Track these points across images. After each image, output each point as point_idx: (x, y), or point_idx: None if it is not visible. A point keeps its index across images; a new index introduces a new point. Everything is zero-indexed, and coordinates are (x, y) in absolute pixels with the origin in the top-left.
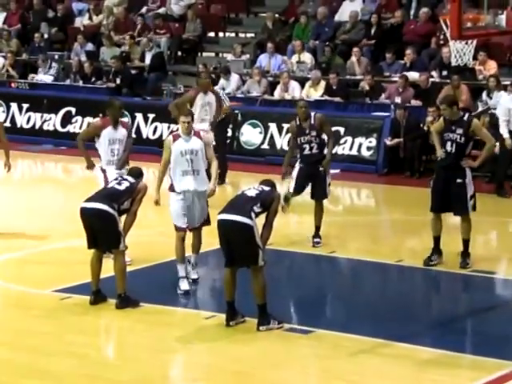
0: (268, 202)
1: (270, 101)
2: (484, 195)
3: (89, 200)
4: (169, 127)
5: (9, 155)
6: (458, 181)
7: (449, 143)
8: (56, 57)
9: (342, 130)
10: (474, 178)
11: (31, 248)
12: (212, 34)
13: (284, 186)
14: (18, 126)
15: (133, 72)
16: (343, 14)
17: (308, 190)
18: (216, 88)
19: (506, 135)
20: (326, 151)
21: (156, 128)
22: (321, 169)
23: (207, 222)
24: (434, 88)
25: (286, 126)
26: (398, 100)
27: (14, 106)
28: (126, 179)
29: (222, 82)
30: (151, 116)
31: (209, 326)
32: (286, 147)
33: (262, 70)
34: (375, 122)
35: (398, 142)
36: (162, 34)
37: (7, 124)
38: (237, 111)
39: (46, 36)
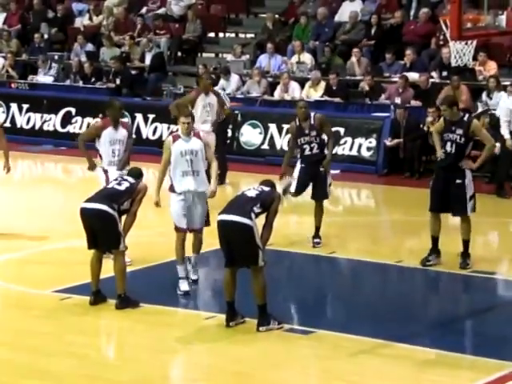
0: (268, 202)
1: (269, 101)
2: (484, 196)
3: (89, 200)
4: (169, 128)
5: (8, 157)
6: (458, 181)
7: (449, 144)
8: (56, 57)
9: (341, 130)
10: (473, 178)
11: (31, 248)
12: (212, 35)
13: (284, 181)
14: (18, 126)
15: (133, 72)
16: (343, 15)
17: (308, 190)
18: (216, 88)
19: (506, 136)
20: (326, 151)
21: (156, 128)
22: (321, 169)
23: (207, 222)
24: (434, 88)
25: (285, 126)
26: (397, 100)
27: (13, 106)
28: (126, 179)
29: (221, 82)
30: (151, 116)
31: (209, 327)
32: (285, 147)
33: (262, 70)
34: (375, 122)
35: (398, 143)
36: (161, 34)
37: (7, 124)
38: (237, 112)
39: (45, 36)
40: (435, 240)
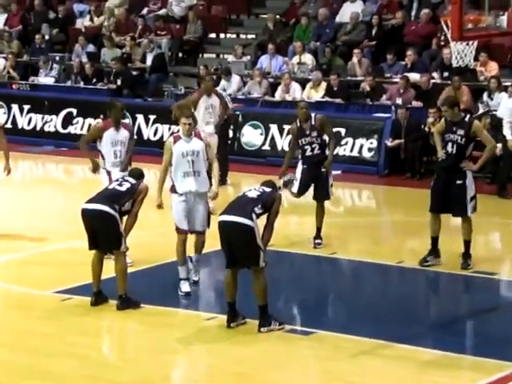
0: (269, 203)
1: (270, 102)
2: (485, 196)
3: (90, 201)
4: (170, 128)
5: (9, 158)
6: (458, 182)
7: (450, 144)
8: (57, 58)
9: (342, 131)
10: (475, 179)
11: (32, 249)
12: (213, 36)
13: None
14: (19, 127)
15: (134, 73)
16: (344, 15)
17: (310, 190)
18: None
19: (509, 137)
20: (327, 152)
21: (157, 129)
22: (323, 170)
23: (207, 224)
24: (435, 89)
25: (286, 127)
26: (398, 101)
27: (15, 107)
28: (127, 180)
29: (222, 83)
30: (152, 117)
31: (210, 328)
32: (286, 148)
33: (263, 71)
34: (376, 123)
35: (399, 143)
36: (162, 35)
37: (8, 125)
38: (238, 112)
39: (47, 37)
40: (435, 240)
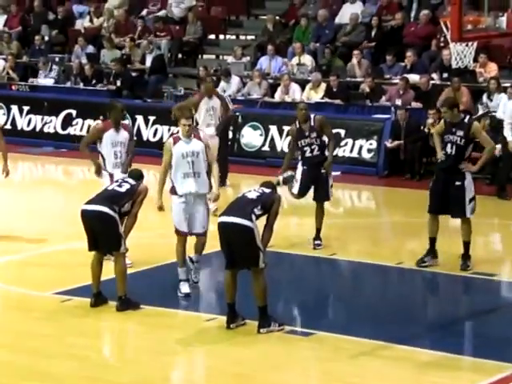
0: (269, 204)
1: (270, 103)
2: (485, 197)
3: (90, 202)
4: (169, 130)
5: (7, 160)
6: (457, 183)
7: (449, 145)
8: (56, 59)
9: (342, 132)
10: (474, 180)
11: (32, 250)
12: (212, 37)
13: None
14: (19, 128)
15: (133, 74)
16: (344, 17)
17: (310, 192)
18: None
19: (510, 138)
20: (327, 153)
21: (156, 130)
22: (323, 171)
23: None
24: (435, 90)
25: (286, 128)
26: (398, 102)
27: (14, 108)
28: (126, 181)
29: (222, 84)
30: (152, 118)
31: (209, 329)
32: (286, 149)
33: (263, 72)
34: (376, 124)
35: (399, 144)
36: (162, 36)
37: (8, 126)
38: (237, 113)
39: (46, 38)
40: (432, 241)
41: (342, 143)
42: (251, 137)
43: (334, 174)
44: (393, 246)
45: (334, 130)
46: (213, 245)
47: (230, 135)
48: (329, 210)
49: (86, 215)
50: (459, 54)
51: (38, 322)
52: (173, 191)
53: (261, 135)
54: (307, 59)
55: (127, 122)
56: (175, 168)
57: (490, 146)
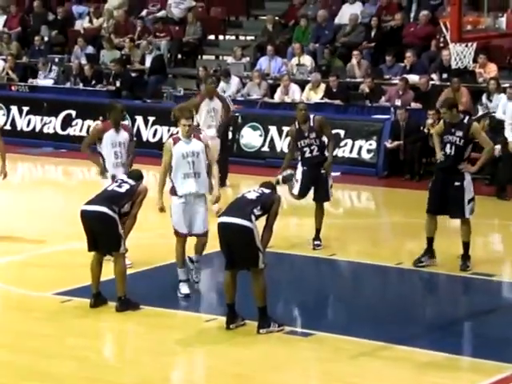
0: (268, 204)
1: (270, 103)
2: (484, 198)
3: (89, 203)
4: (169, 130)
5: (5, 161)
6: (456, 184)
7: (448, 146)
8: (56, 60)
9: (342, 132)
10: (474, 180)
11: (31, 251)
12: (212, 37)
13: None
14: (18, 128)
15: (133, 75)
16: (343, 17)
17: (310, 193)
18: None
19: (510, 139)
20: (326, 153)
21: (156, 131)
22: (322, 171)
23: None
24: (434, 91)
25: (286, 128)
26: (398, 103)
27: (14, 108)
28: (126, 182)
29: (222, 84)
30: (151, 119)
31: (209, 329)
32: (286, 150)
33: (262, 72)
34: (375, 124)
35: (398, 145)
36: (162, 36)
37: (7, 127)
38: (237, 114)
39: (46, 39)
40: (430, 241)
41: (342, 144)
42: (251, 137)
43: (333, 174)
44: (392, 246)
45: (334, 131)
46: (213, 245)
47: (230, 136)
48: (328, 211)
49: (85, 216)
50: (459, 54)
51: (38, 322)
52: (173, 192)
53: (260, 136)
54: (307, 60)
55: (127, 122)
56: (175, 168)
57: (489, 146)
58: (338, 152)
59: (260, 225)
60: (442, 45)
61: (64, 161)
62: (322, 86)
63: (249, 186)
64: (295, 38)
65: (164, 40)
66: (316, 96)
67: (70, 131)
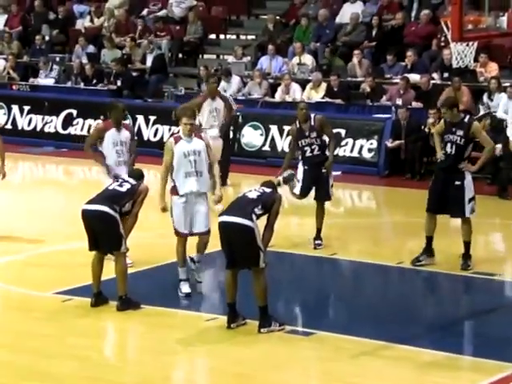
0: (269, 203)
1: (270, 103)
2: (485, 197)
3: (90, 202)
4: (170, 129)
5: (4, 161)
6: (457, 183)
7: (449, 145)
8: (57, 59)
9: (342, 131)
10: (474, 179)
11: (32, 250)
12: (213, 36)
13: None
14: (19, 128)
15: (134, 74)
16: (344, 16)
17: (312, 192)
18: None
19: None
20: (327, 152)
21: (157, 130)
22: (323, 170)
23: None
24: (435, 90)
25: (287, 128)
26: (399, 102)
27: (15, 108)
28: (127, 181)
29: (222, 84)
30: (152, 118)
31: (210, 328)
32: (287, 149)
33: (263, 72)
34: (376, 123)
35: (399, 144)
36: (162, 36)
37: (8, 126)
38: (238, 113)
39: (47, 38)
40: (429, 240)
41: (343, 143)
42: (252, 136)
43: (334, 173)
44: (393, 245)
45: (335, 130)
46: (214, 244)
47: (231, 135)
48: (329, 210)
49: (86, 215)
50: (460, 53)
51: (39, 321)
52: (174, 191)
53: (261, 135)
54: (308, 59)
55: (128, 121)
56: (177, 167)
57: (490, 145)
58: (339, 151)
59: (261, 224)
60: (442, 44)
61: (65, 160)
62: (323, 86)
63: (250, 186)
64: (296, 37)
65: (165, 39)
66: (317, 95)
67: (71, 130)
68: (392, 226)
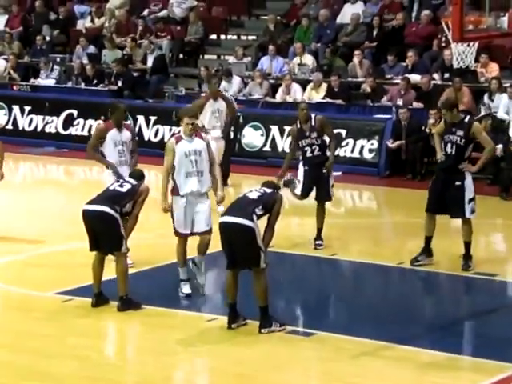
0: (270, 204)
1: (271, 103)
2: (486, 197)
3: (91, 202)
4: (170, 130)
5: (2, 162)
6: (457, 183)
7: (449, 145)
8: (58, 59)
9: (343, 132)
10: (475, 180)
11: (32, 250)
12: (214, 37)
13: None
14: (20, 128)
15: (135, 74)
16: (345, 17)
17: (312, 192)
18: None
19: None
20: (328, 153)
21: (158, 130)
22: (324, 171)
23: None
24: (436, 90)
25: (287, 128)
26: (399, 102)
27: (15, 108)
28: (127, 181)
29: (223, 84)
30: (153, 118)
31: (211, 329)
32: (287, 149)
33: (264, 72)
34: (377, 124)
35: (400, 145)
36: (163, 36)
37: (9, 126)
38: (239, 113)
39: (47, 38)
40: (428, 240)
41: (343, 143)
42: (252, 137)
43: (335, 174)
44: (394, 246)
45: (335, 130)
46: (214, 245)
47: (232, 135)
48: (330, 210)
49: (87, 215)
50: (460, 54)
51: (39, 322)
52: (174, 192)
53: (262, 135)
54: (308, 59)
55: (129, 122)
56: (178, 167)
57: (490, 146)
58: (340, 152)
59: (262, 224)
60: (443, 44)
61: (66, 160)
62: (324, 86)
63: (250, 186)
64: (297, 38)
65: (166, 40)
66: (317, 96)
67: (72, 131)
68: (393, 226)
